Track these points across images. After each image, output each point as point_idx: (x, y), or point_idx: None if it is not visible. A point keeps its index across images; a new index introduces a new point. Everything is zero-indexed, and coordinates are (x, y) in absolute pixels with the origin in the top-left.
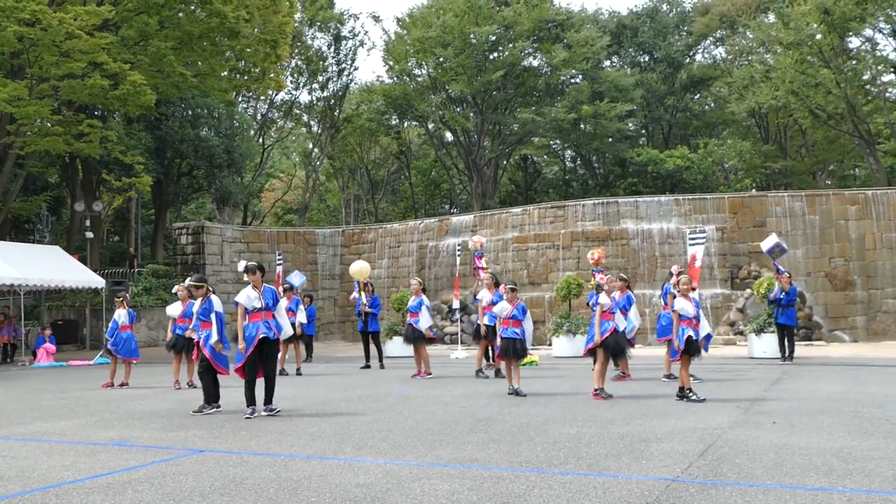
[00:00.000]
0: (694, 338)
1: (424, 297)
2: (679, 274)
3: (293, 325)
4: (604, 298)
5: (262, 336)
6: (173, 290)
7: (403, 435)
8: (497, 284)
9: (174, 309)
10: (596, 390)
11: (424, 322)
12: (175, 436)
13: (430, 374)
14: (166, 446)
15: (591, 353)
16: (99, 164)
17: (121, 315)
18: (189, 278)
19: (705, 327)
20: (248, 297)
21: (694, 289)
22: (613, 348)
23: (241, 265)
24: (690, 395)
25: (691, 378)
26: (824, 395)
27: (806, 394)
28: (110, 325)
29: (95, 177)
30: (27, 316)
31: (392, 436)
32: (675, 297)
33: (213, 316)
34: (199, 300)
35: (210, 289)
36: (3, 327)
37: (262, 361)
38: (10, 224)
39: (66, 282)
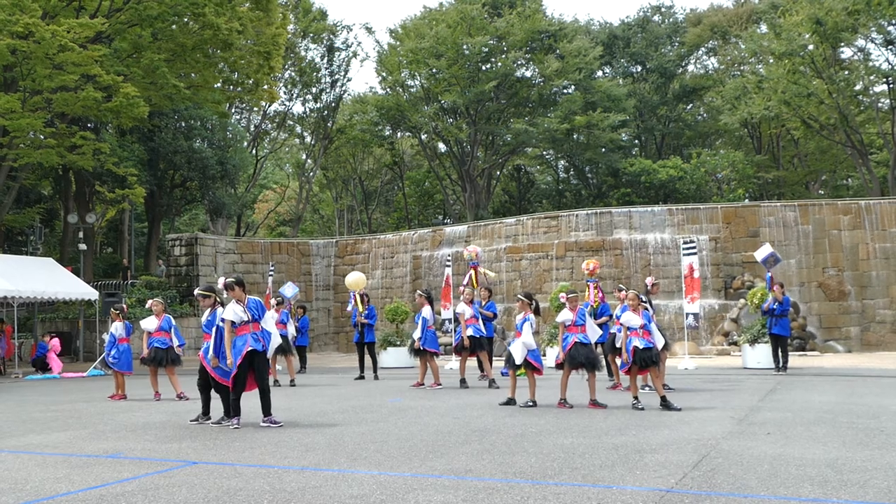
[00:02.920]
0: (640, 346)
1: (424, 310)
2: (654, 285)
3: (284, 337)
4: (563, 315)
5: (250, 349)
6: (147, 305)
7: (398, 446)
8: (490, 293)
9: (149, 323)
10: (561, 399)
11: (416, 334)
12: (168, 448)
13: (422, 384)
14: (159, 458)
15: (560, 366)
16: (92, 176)
17: (118, 328)
18: (198, 287)
19: (658, 338)
20: (235, 311)
21: (693, 300)
22: (575, 359)
23: (221, 282)
24: (637, 404)
25: (665, 387)
26: (818, 406)
27: (800, 404)
28: (107, 338)
29: (88, 189)
30: (20, 328)
31: (386, 447)
32: (638, 300)
33: (214, 329)
34: (207, 311)
35: (219, 300)
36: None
37: (252, 374)
38: (3, 236)
39: (59, 294)
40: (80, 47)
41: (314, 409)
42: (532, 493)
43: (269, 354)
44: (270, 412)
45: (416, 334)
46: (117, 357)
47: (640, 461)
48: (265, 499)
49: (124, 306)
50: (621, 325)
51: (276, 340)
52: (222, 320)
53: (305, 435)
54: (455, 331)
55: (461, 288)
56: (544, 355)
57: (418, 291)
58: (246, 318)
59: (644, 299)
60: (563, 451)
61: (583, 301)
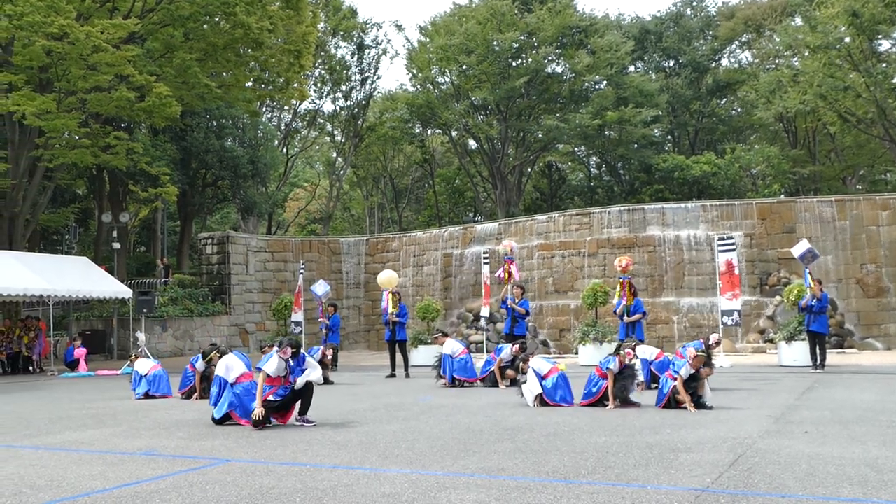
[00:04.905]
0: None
1: (445, 346)
2: (717, 343)
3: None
4: (612, 363)
5: (269, 398)
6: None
7: (429, 444)
8: (523, 290)
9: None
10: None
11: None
12: (201, 445)
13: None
14: (193, 456)
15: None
16: (125, 176)
17: (140, 365)
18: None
19: (707, 393)
20: (278, 367)
21: (736, 296)
22: (620, 394)
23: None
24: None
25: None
26: (857, 404)
27: (838, 403)
28: (133, 376)
29: (122, 188)
30: (56, 326)
31: (418, 445)
32: (703, 361)
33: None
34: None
35: (219, 354)
36: (37, 340)
37: (299, 396)
38: (39, 236)
39: (93, 292)
40: (113, 48)
41: (345, 408)
42: (565, 493)
43: (299, 386)
44: (306, 412)
45: (445, 372)
46: (152, 382)
47: (675, 460)
48: (297, 497)
49: (135, 354)
50: (675, 375)
51: (312, 375)
52: (258, 368)
53: (337, 433)
54: (488, 326)
55: (496, 275)
56: (576, 353)
57: (432, 335)
58: (283, 374)
59: (702, 349)
60: (596, 449)
61: (616, 297)
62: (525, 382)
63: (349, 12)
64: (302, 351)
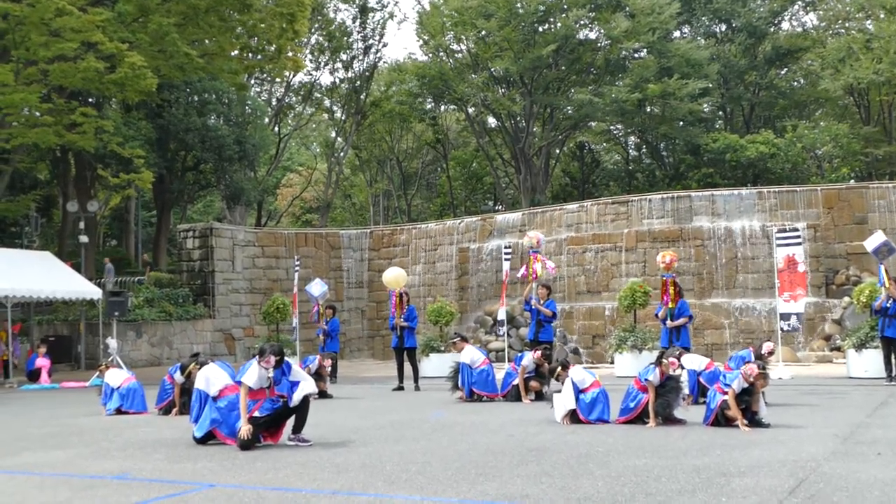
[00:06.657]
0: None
1: (463, 354)
2: (770, 353)
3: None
4: (652, 375)
5: (255, 413)
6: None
7: (443, 467)
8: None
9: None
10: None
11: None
12: (182, 468)
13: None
14: (172, 480)
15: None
16: (94, 159)
17: (112, 376)
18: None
19: (762, 408)
20: (260, 378)
21: (795, 297)
22: (662, 410)
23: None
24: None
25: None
26: None
27: None
28: (103, 389)
29: (90, 173)
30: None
31: (430, 468)
32: (753, 377)
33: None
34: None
35: (198, 366)
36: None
37: (292, 411)
38: None
39: (57, 292)
40: (79, 11)
41: (346, 425)
42: None
43: (295, 403)
44: (301, 429)
45: (462, 383)
46: (125, 395)
47: (727, 486)
48: None
49: (105, 364)
50: (725, 389)
51: (305, 389)
52: (239, 382)
53: (337, 454)
54: (505, 334)
55: (519, 274)
56: (611, 362)
57: (450, 339)
58: (266, 385)
59: (761, 365)
60: (634, 473)
61: (659, 299)
62: (559, 392)
63: None
64: (287, 359)
